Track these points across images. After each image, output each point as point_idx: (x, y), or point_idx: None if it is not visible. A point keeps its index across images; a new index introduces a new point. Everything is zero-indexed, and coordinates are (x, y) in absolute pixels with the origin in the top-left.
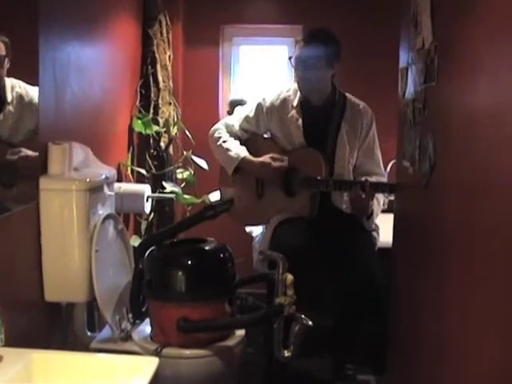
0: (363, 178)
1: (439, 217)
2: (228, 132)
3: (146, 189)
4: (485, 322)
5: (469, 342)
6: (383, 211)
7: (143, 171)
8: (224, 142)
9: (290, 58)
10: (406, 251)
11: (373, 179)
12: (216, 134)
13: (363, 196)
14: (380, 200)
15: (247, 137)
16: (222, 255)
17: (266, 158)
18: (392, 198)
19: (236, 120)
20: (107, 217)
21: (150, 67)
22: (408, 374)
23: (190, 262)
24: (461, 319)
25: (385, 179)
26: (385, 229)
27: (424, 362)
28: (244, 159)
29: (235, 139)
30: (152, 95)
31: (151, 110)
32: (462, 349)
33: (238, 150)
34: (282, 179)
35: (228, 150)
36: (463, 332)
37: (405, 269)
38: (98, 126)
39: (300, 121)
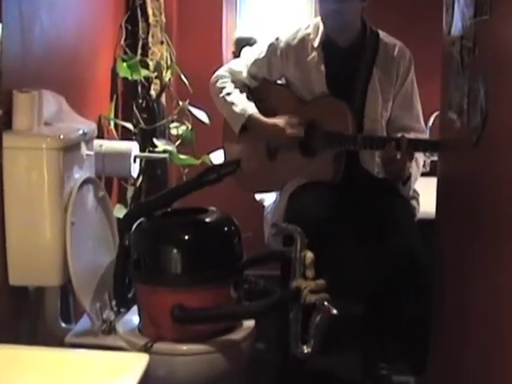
0: (399, 135)
1: (492, 178)
2: (234, 81)
3: (132, 147)
4: None
5: None
6: (424, 174)
7: (129, 126)
8: (228, 94)
9: None
10: (453, 220)
11: (411, 136)
12: (219, 84)
13: (399, 156)
14: (419, 161)
15: (257, 85)
16: (226, 229)
17: (279, 121)
18: (435, 157)
19: (243, 65)
20: (85, 182)
21: None
22: (453, 369)
23: (187, 237)
24: None
25: (425, 136)
26: (426, 196)
27: (473, 351)
28: (251, 117)
29: (241, 92)
30: (140, 32)
31: (139, 51)
32: None
33: (244, 105)
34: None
35: (232, 103)
36: None
37: (450, 241)
38: (73, 70)
39: (322, 65)
